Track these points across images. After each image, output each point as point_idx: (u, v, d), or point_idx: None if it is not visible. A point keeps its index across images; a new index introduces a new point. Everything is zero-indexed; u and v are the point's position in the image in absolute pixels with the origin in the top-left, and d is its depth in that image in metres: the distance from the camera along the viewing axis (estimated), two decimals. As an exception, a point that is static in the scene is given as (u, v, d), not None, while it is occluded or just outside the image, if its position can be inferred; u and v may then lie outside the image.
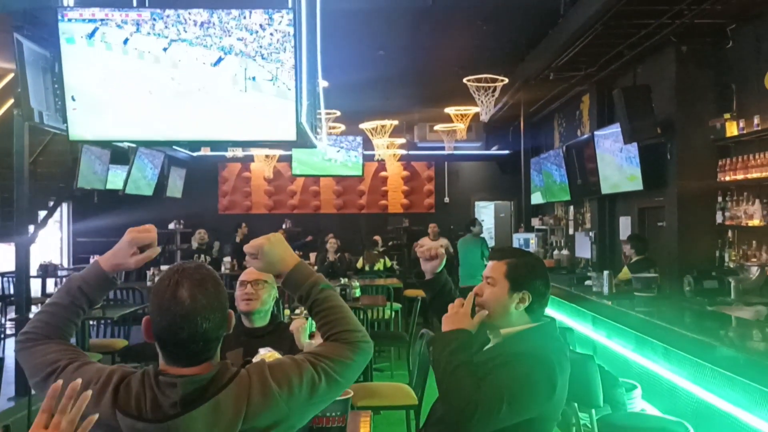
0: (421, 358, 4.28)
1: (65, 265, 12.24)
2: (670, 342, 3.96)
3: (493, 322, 2.26)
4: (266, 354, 2.02)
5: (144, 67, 3.89)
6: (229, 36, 3.79)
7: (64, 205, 12.39)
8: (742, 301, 4.49)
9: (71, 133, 4.12)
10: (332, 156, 10.94)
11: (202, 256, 9.04)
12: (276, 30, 3.81)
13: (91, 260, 7.55)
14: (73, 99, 3.99)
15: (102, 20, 3.89)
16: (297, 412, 1.59)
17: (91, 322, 5.98)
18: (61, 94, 4.18)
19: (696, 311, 4.48)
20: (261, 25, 3.80)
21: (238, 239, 11.57)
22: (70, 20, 3.97)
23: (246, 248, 1.77)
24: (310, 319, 2.81)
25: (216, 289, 1.58)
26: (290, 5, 4.35)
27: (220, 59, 3.82)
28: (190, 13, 3.77)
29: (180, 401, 1.49)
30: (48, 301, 1.75)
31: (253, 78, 3.83)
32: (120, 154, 9.71)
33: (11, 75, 9.01)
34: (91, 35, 3.81)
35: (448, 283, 2.68)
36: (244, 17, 3.80)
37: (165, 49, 3.81)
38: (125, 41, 3.82)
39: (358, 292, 6.64)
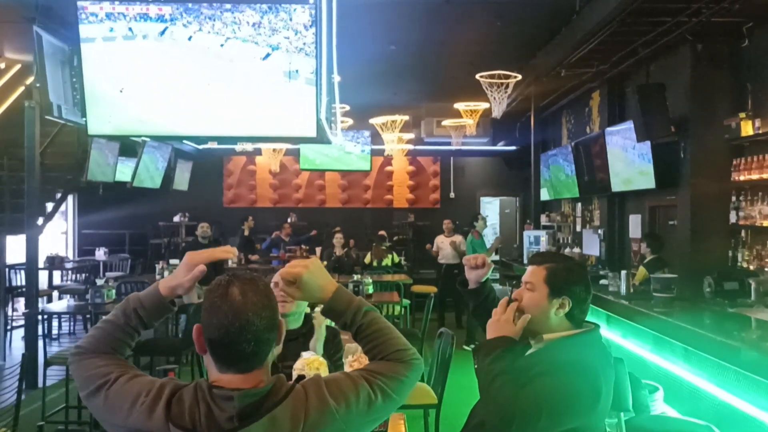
0: (441, 356, 4.27)
1: (71, 257, 12.22)
2: (691, 343, 3.95)
3: (533, 327, 2.23)
4: (309, 358, 1.99)
5: (196, 62, 4.22)
6: (277, 34, 4.01)
7: (70, 197, 12.36)
8: (762, 303, 4.48)
9: (118, 126, 4.27)
10: (351, 150, 10.95)
11: None
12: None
13: (96, 253, 7.55)
14: (121, 92, 4.10)
15: (171, 18, 4.17)
16: (353, 427, 1.57)
17: (101, 316, 5.97)
18: (80, 87, 4.17)
19: (716, 312, 4.47)
20: (305, 25, 3.96)
21: (246, 233, 11.55)
22: (143, 17, 4.21)
23: (283, 274, 1.73)
24: (322, 326, 2.78)
25: (266, 290, 1.57)
26: (311, 0, 4.33)
27: (268, 54, 4.07)
28: (243, 14, 3.98)
29: (237, 415, 1.47)
30: (104, 317, 1.74)
31: (297, 71, 4.07)
32: (128, 147, 9.67)
33: (18, 66, 8.97)
34: (162, 33, 4.11)
35: (492, 291, 2.64)
36: (291, 18, 3.99)
37: (222, 45, 4.09)
38: (189, 38, 4.11)
39: (370, 289, 6.63)
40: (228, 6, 4.11)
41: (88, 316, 6.21)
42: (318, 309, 4.32)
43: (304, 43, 4.03)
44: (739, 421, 3.48)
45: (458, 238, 10.08)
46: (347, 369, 2.15)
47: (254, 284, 1.55)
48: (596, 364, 2.11)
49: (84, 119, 4.21)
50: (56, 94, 5.31)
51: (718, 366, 3.67)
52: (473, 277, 2.60)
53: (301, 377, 1.61)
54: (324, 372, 1.97)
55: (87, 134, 4.25)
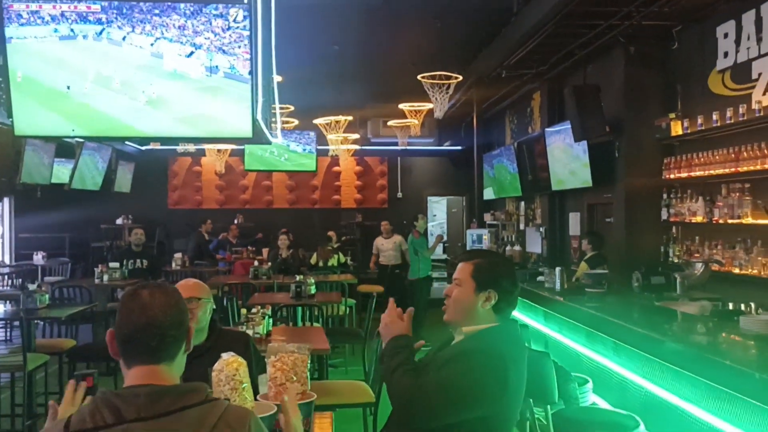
0: (378, 356, 4.30)
1: (7, 261, 11.84)
2: (619, 337, 4.07)
3: (461, 320, 2.33)
4: (229, 359, 1.99)
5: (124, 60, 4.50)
6: (200, 35, 4.41)
7: (6, 200, 11.97)
8: (687, 297, 4.65)
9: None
10: (296, 150, 10.93)
11: (138, 260, 8.61)
12: (237, 28, 4.31)
13: (34, 257, 7.24)
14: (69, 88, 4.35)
15: (108, 21, 4.47)
16: None
17: (37, 322, 5.78)
18: (6, 87, 4.05)
19: (644, 306, 4.62)
20: (222, 28, 4.31)
21: (206, 237, 11.36)
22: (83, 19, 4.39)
23: None
24: (267, 317, 2.79)
25: (175, 293, 1.69)
26: (246, 0, 4.32)
27: (191, 53, 4.42)
28: (171, 18, 4.41)
29: (143, 407, 1.48)
30: None
31: (216, 67, 4.42)
32: (65, 148, 9.43)
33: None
34: (99, 34, 4.44)
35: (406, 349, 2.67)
36: (210, 22, 4.36)
37: (152, 45, 4.47)
38: (123, 38, 4.47)
39: (313, 289, 6.60)
40: (156, 11, 4.38)
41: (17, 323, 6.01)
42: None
43: (223, 43, 4.37)
44: (664, 411, 3.60)
45: (398, 238, 10.19)
46: (270, 369, 2.17)
47: (163, 288, 1.68)
48: (505, 352, 2.19)
49: (10, 119, 4.11)
50: (-20, 94, 5.16)
51: (644, 358, 3.79)
52: None
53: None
54: (243, 371, 1.98)
55: (14, 135, 4.15)
